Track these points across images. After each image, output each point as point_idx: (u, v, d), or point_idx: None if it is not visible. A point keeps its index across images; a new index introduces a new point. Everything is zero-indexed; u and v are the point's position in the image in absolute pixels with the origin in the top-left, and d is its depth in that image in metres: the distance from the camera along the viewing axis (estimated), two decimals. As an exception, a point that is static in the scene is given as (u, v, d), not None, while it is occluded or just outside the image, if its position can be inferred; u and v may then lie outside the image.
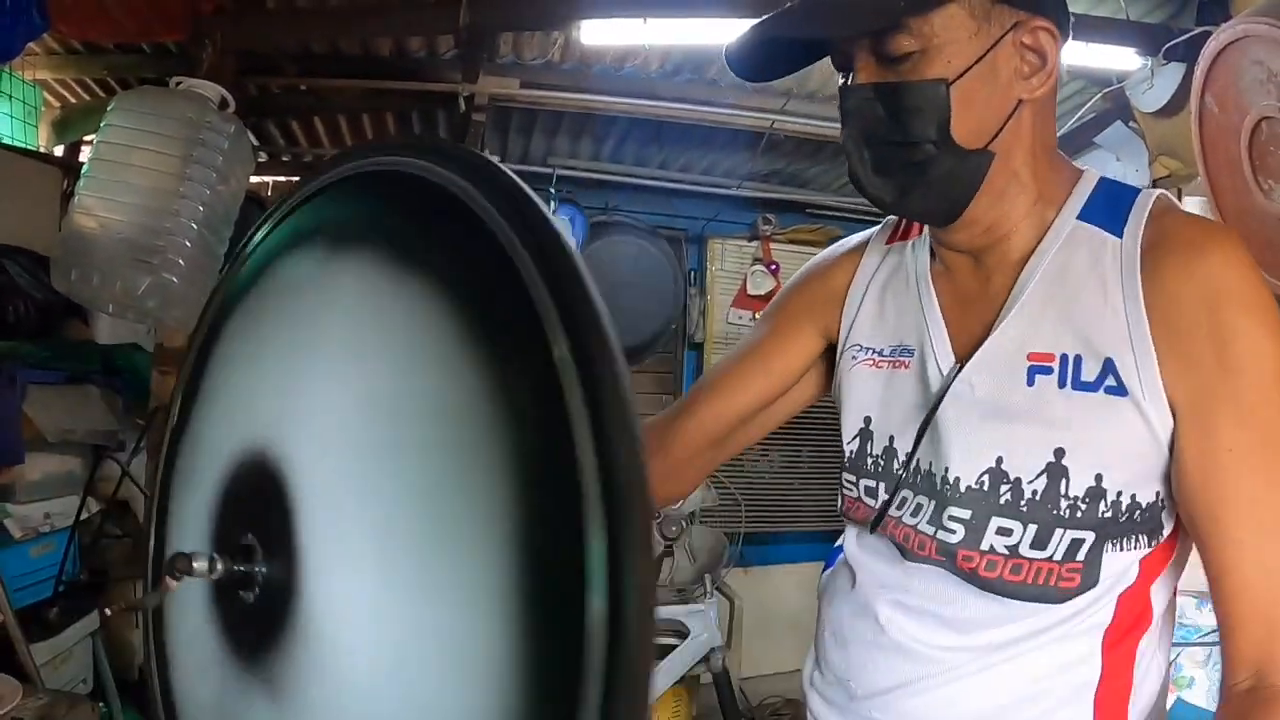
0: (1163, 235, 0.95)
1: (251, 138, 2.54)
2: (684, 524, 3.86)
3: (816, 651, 1.21)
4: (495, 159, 0.66)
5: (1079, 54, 2.98)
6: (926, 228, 1.12)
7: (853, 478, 1.13)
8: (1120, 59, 3.08)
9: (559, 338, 0.52)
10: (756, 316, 5.04)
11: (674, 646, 3.81)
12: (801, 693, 1.24)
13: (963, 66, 0.92)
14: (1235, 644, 0.91)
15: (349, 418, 0.67)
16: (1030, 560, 0.96)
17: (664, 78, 3.64)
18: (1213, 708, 1.44)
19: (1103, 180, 1.03)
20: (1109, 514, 0.94)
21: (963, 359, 1.03)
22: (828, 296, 1.22)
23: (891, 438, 1.08)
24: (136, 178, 2.31)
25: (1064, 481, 0.94)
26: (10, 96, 3.34)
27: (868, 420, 1.12)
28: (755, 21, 0.98)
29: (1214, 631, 1.67)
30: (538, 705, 0.51)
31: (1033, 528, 0.95)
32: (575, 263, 0.55)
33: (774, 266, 5.06)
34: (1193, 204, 2.59)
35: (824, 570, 1.27)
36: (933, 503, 1.02)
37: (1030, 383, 0.97)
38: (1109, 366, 0.93)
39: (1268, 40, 2.04)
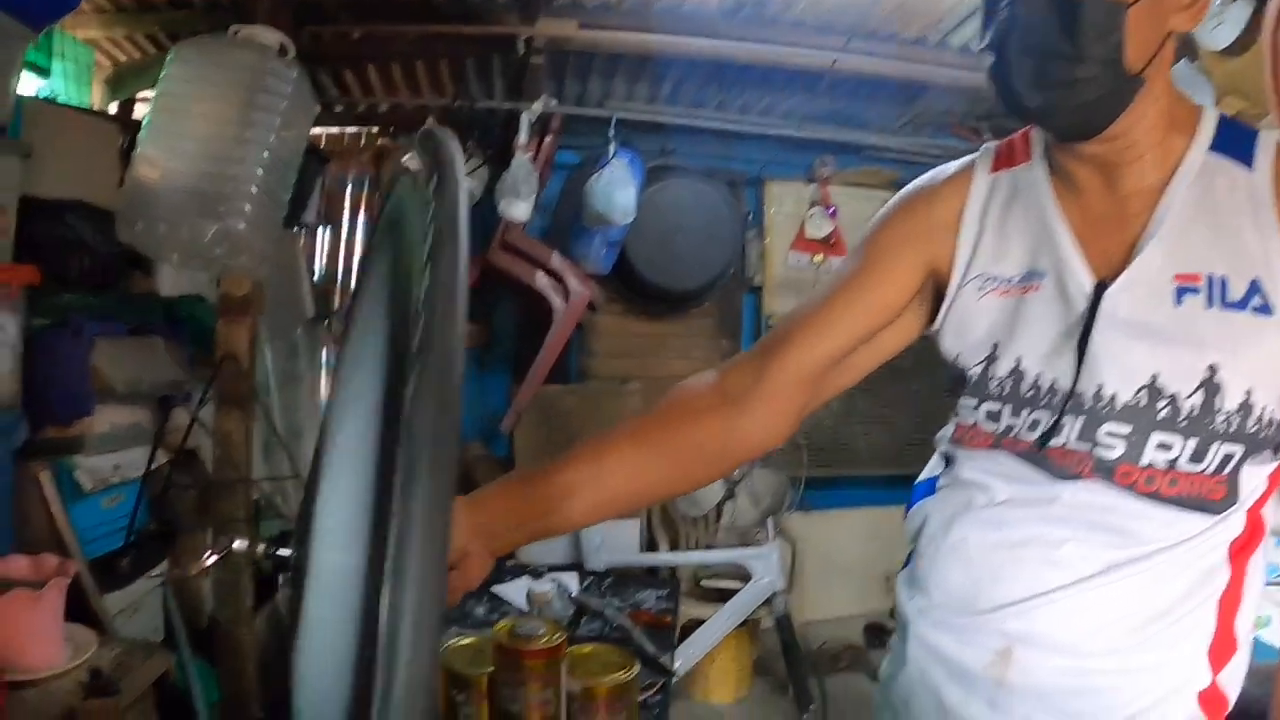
0: None
1: (309, 86, 2.53)
2: (747, 467, 3.85)
3: (918, 579, 1.23)
4: None
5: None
6: (1036, 153, 1.13)
7: (973, 402, 1.14)
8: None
9: None
10: (815, 260, 4.99)
11: (736, 590, 3.82)
12: (901, 620, 1.26)
13: None
14: None
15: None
16: (1187, 474, 1.01)
17: (725, 16, 3.55)
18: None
19: (1222, 116, 1.05)
20: (1255, 429, 0.99)
21: (1104, 280, 1.03)
22: (933, 226, 1.18)
23: (1019, 359, 1.09)
24: (199, 126, 2.30)
25: (1219, 397, 0.97)
26: (63, 57, 3.33)
27: (995, 346, 1.12)
28: None
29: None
30: None
31: (1192, 442, 0.99)
32: None
33: (832, 210, 4.98)
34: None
35: (909, 506, 1.29)
36: (1081, 420, 1.04)
37: (1178, 302, 1.00)
38: (1255, 286, 0.96)
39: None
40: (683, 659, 3.51)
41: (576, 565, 3.16)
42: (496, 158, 4.13)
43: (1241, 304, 0.97)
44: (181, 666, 2.75)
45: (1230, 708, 1.09)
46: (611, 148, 4.03)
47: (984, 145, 1.20)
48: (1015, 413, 1.09)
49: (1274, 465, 1.05)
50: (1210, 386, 0.97)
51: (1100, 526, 1.05)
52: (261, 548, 0.87)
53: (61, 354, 2.58)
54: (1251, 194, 0.99)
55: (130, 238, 2.31)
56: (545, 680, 1.40)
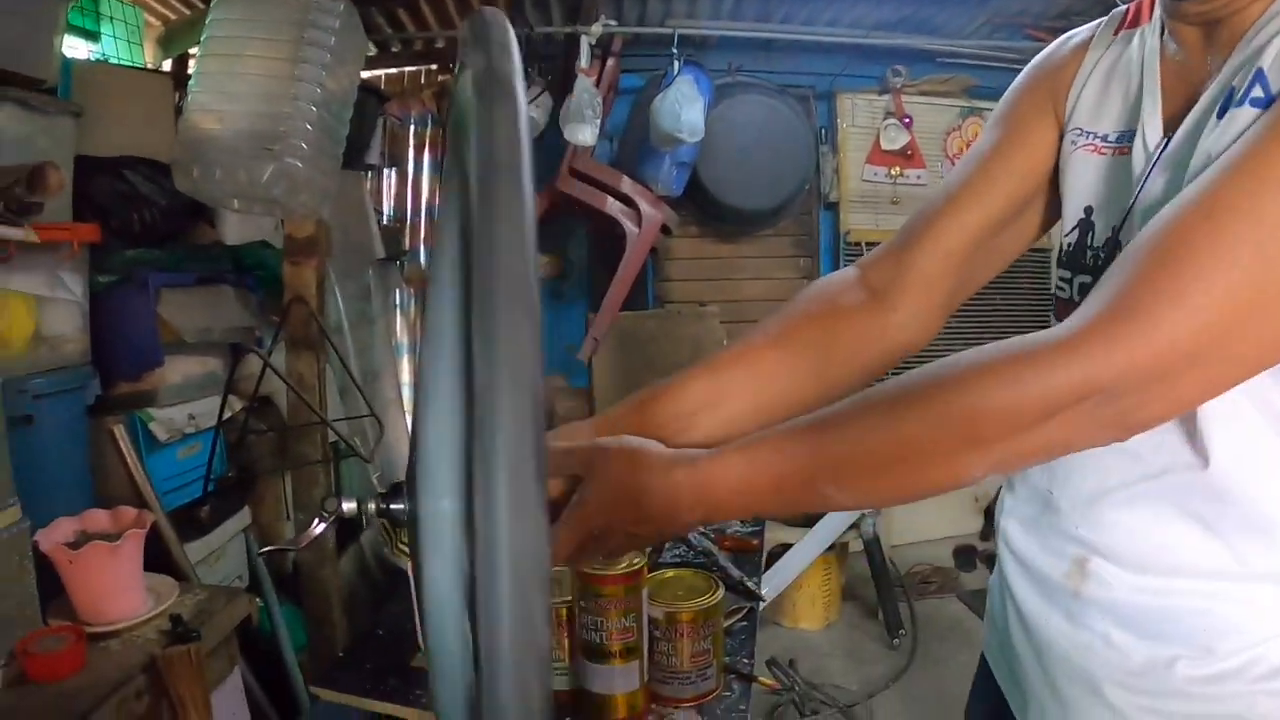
0: None
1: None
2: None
3: (1011, 475, 1.12)
4: None
5: None
6: (1155, 14, 1.01)
7: (1067, 274, 1.04)
8: None
9: None
10: (892, 173, 4.85)
11: (824, 514, 3.77)
12: (996, 522, 1.16)
13: None
14: None
15: None
16: None
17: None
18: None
19: None
20: None
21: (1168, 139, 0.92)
22: (1056, 87, 1.09)
23: (1115, 229, 0.97)
24: (249, 69, 2.25)
25: None
26: (112, 20, 3.32)
27: (1089, 210, 1.02)
28: None
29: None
30: None
31: None
32: None
33: (907, 120, 4.82)
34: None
35: None
36: None
37: None
38: None
39: None
40: (770, 585, 3.48)
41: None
42: (559, 85, 4.05)
43: None
44: (266, 610, 2.79)
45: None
46: (676, 65, 3.92)
47: (1114, 10, 1.10)
48: None
49: None
50: None
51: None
52: (373, 506, 0.80)
53: (127, 308, 2.58)
54: None
55: (188, 186, 2.28)
56: (626, 607, 1.37)
